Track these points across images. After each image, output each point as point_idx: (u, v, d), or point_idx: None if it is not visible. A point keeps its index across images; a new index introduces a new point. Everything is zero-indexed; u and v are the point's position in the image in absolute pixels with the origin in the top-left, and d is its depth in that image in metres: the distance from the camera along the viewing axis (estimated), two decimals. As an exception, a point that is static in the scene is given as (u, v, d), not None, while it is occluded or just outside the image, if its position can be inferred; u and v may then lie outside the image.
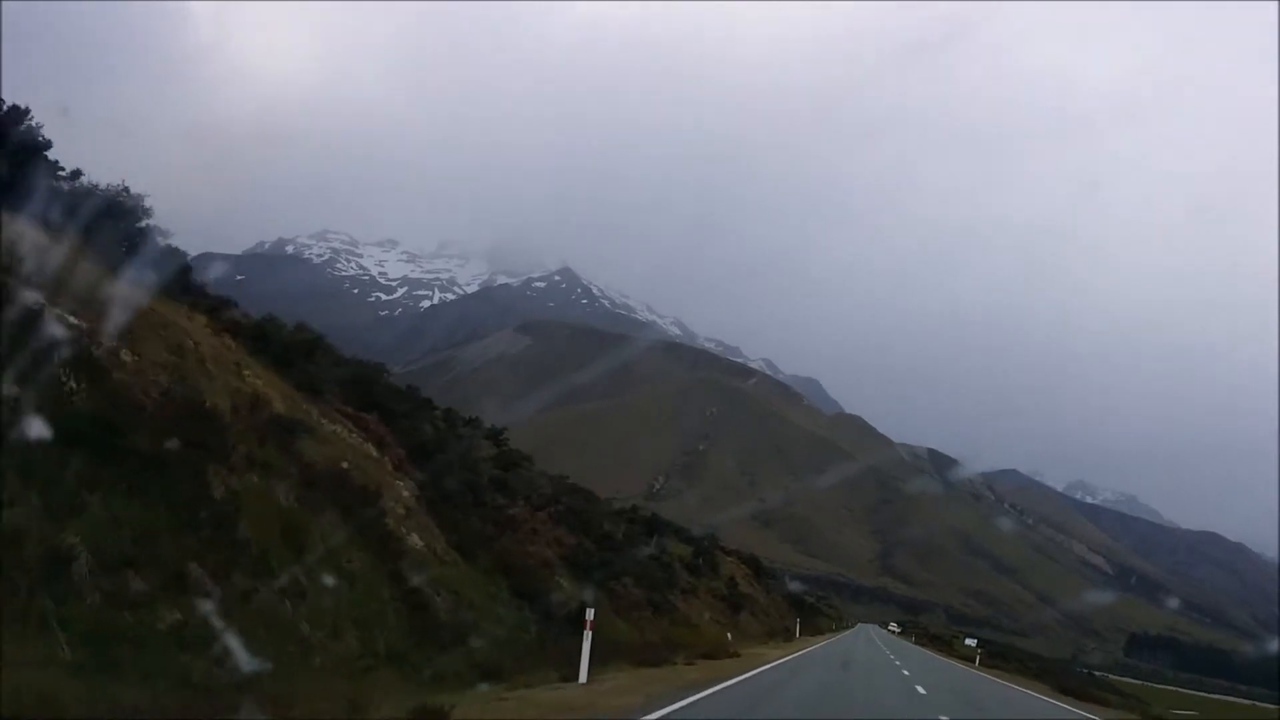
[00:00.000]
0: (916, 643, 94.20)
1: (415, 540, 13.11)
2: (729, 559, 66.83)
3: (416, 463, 17.44)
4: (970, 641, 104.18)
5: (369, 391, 18.91)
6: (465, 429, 38.58)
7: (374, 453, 15.19)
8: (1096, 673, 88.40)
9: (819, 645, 48.68)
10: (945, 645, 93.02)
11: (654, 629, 27.96)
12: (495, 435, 38.36)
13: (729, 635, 35.49)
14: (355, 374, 19.41)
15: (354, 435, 14.86)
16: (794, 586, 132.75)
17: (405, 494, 14.71)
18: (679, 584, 40.34)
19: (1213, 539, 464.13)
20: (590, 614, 13.77)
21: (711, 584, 50.09)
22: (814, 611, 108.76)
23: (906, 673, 30.71)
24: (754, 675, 20.59)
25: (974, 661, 58.52)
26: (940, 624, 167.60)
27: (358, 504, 10.68)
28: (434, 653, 10.35)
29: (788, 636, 52.71)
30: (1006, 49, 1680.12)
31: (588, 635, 13.57)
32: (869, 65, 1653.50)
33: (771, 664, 26.40)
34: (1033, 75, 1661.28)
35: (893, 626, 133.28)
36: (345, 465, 11.96)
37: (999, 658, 68.20)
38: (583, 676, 13.36)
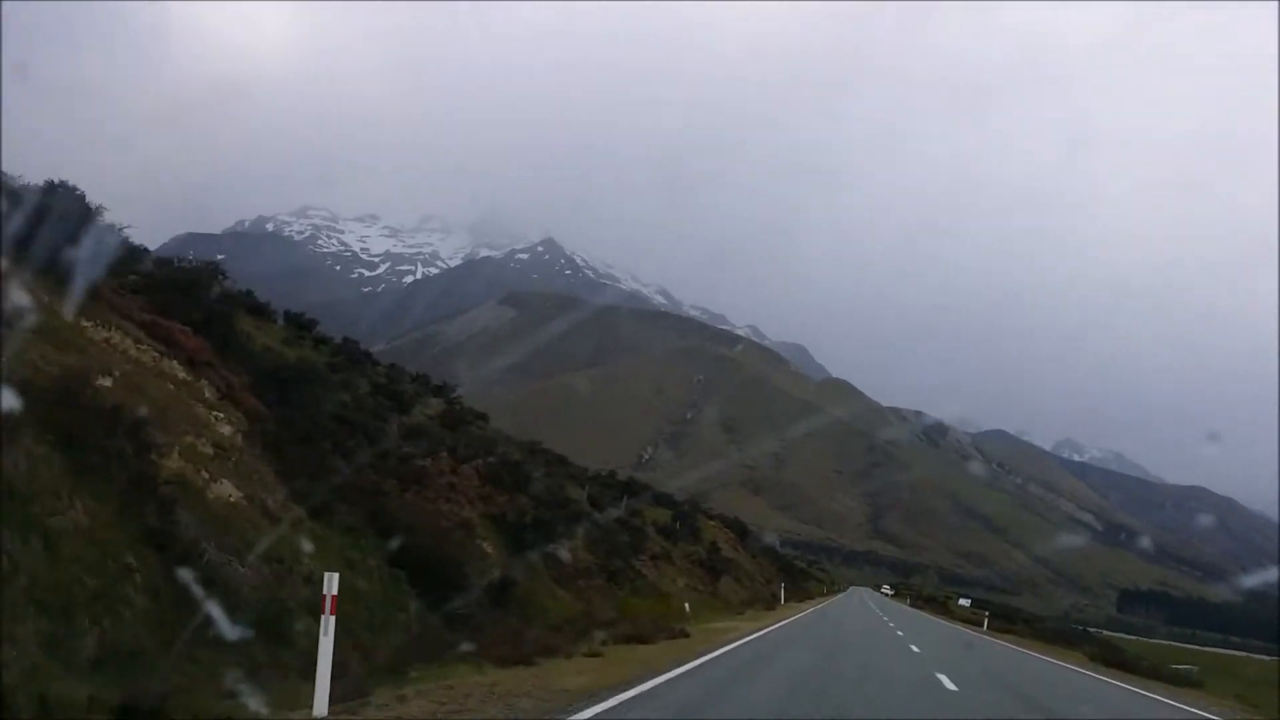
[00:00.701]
0: (912, 605, 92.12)
1: (223, 489, 9.56)
2: (711, 523, 63.68)
3: (272, 396, 13.83)
4: (964, 602, 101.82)
5: (197, 302, 14.85)
6: (410, 385, 35.18)
7: (180, 373, 11.58)
8: (1091, 629, 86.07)
9: (805, 613, 43.30)
10: (941, 607, 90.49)
11: (605, 600, 24.52)
12: (444, 392, 35.11)
13: (686, 607, 29.78)
14: (178, 278, 15.62)
15: (144, 348, 11.21)
16: (783, 550, 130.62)
17: (225, 430, 11.13)
18: (648, 549, 36.37)
19: (1201, 493, 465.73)
20: (330, 586, 7.43)
21: (690, 549, 46.48)
22: (804, 576, 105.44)
23: (916, 649, 23.52)
24: (685, 672, 13.40)
25: (982, 625, 53.23)
26: (932, 585, 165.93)
27: (102, 433, 7.23)
28: (196, 649, 6.87)
29: (771, 604, 48.13)
30: (994, 15, 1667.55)
31: (327, 628, 7.34)
32: (852, 23, 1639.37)
33: (729, 646, 19.12)
34: (1017, 31, 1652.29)
35: (885, 589, 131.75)
36: (104, 381, 8.50)
37: (1003, 619, 62.17)
38: (319, 708, 7.23)
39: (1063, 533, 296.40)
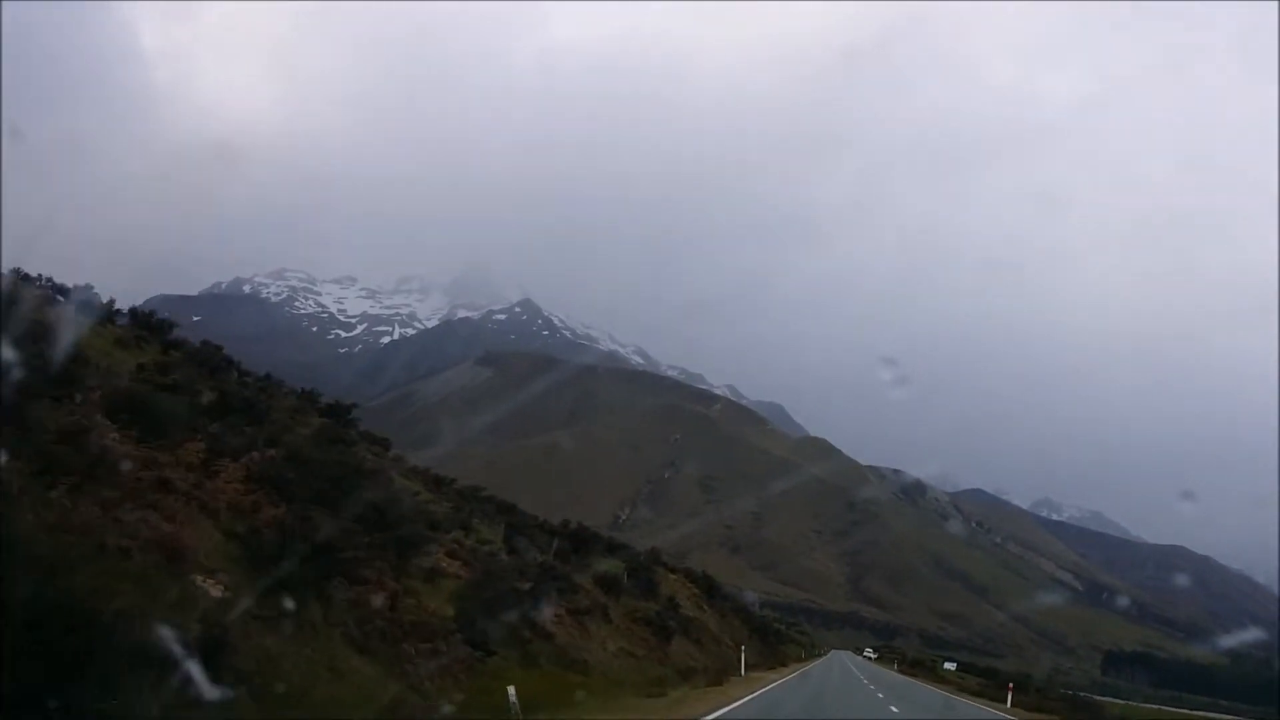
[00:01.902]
0: (899, 670, 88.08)
1: None
2: (673, 577, 56.80)
3: None
4: (949, 665, 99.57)
5: None
6: (295, 399, 32.72)
7: None
8: (1080, 693, 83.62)
9: (765, 689, 33.20)
10: (930, 672, 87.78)
11: (456, 674, 16.39)
12: (340, 413, 31.88)
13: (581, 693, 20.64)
14: None
15: None
16: (761, 611, 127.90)
17: None
18: (566, 603, 28.97)
19: (1180, 552, 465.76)
20: None
21: (639, 605, 38.69)
22: (781, 638, 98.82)
23: None
24: None
25: (1006, 704, 44.15)
26: (914, 648, 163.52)
27: None
28: None
29: (720, 677, 35.71)
30: (962, 65, 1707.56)
31: None
32: (828, 87, 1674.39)
33: None
34: (989, 88, 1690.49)
35: (868, 652, 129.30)
36: None
37: (1022, 690, 54.29)
38: None
39: (1043, 592, 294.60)
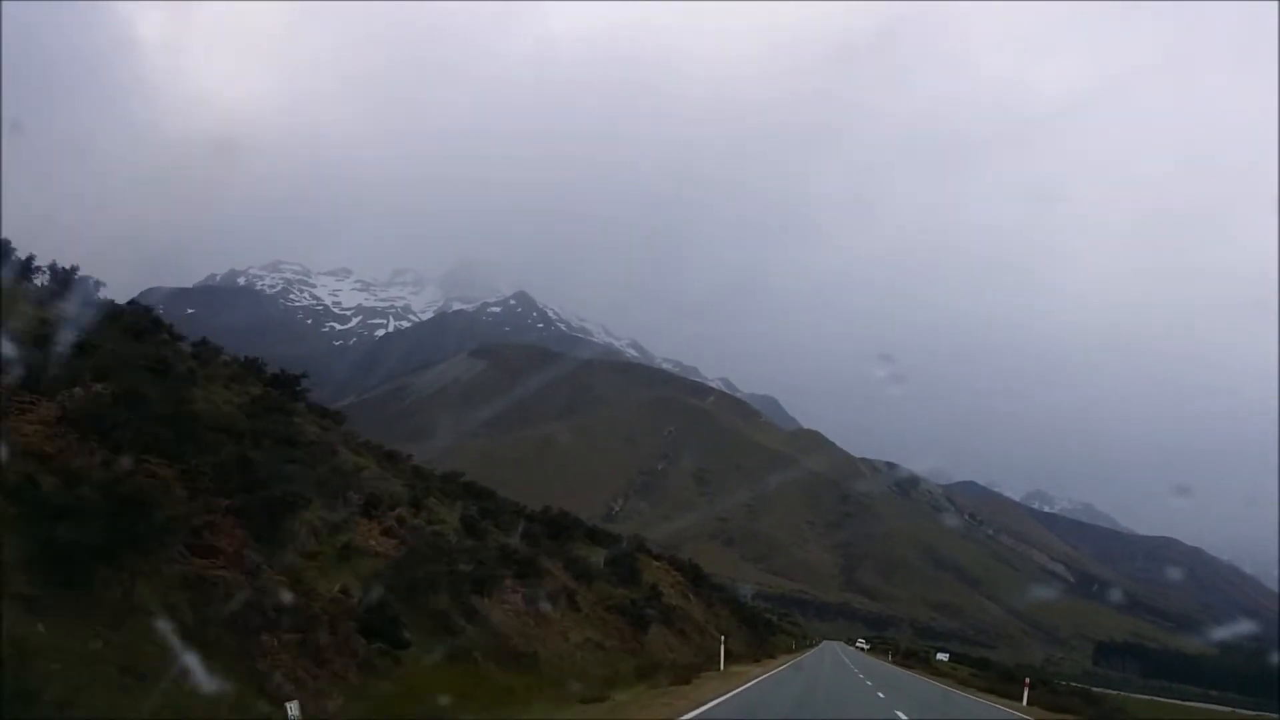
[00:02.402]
0: (896, 662, 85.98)
1: None
2: (657, 564, 54.63)
3: None
4: (942, 656, 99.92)
5: None
6: (238, 367, 28.25)
7: None
8: (1073, 683, 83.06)
9: (743, 688, 28.39)
10: (925, 664, 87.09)
11: (340, 673, 13.12)
12: (287, 383, 28.44)
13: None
14: None
15: None
16: (750, 600, 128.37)
17: None
18: (510, 584, 25.12)
19: (1170, 544, 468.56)
20: None
21: (612, 592, 36.13)
22: (772, 629, 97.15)
23: None
24: None
25: (1022, 700, 40.58)
26: (907, 638, 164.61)
27: None
28: None
29: (689, 674, 29.79)
30: (958, 58, 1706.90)
31: None
32: (823, 79, 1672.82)
33: None
34: (986, 82, 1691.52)
35: (860, 643, 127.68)
36: None
37: (1042, 687, 49.70)
38: None
39: (1035, 584, 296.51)
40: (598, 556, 41.74)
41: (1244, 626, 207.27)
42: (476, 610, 21.16)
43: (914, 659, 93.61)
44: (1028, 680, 46.89)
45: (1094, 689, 75.31)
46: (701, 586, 63.82)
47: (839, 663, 60.77)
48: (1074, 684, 76.87)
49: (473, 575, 22.35)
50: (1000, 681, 56.35)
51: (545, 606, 26.59)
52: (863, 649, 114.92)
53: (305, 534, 16.96)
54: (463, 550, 24.72)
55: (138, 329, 22.50)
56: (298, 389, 29.95)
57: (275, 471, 15.92)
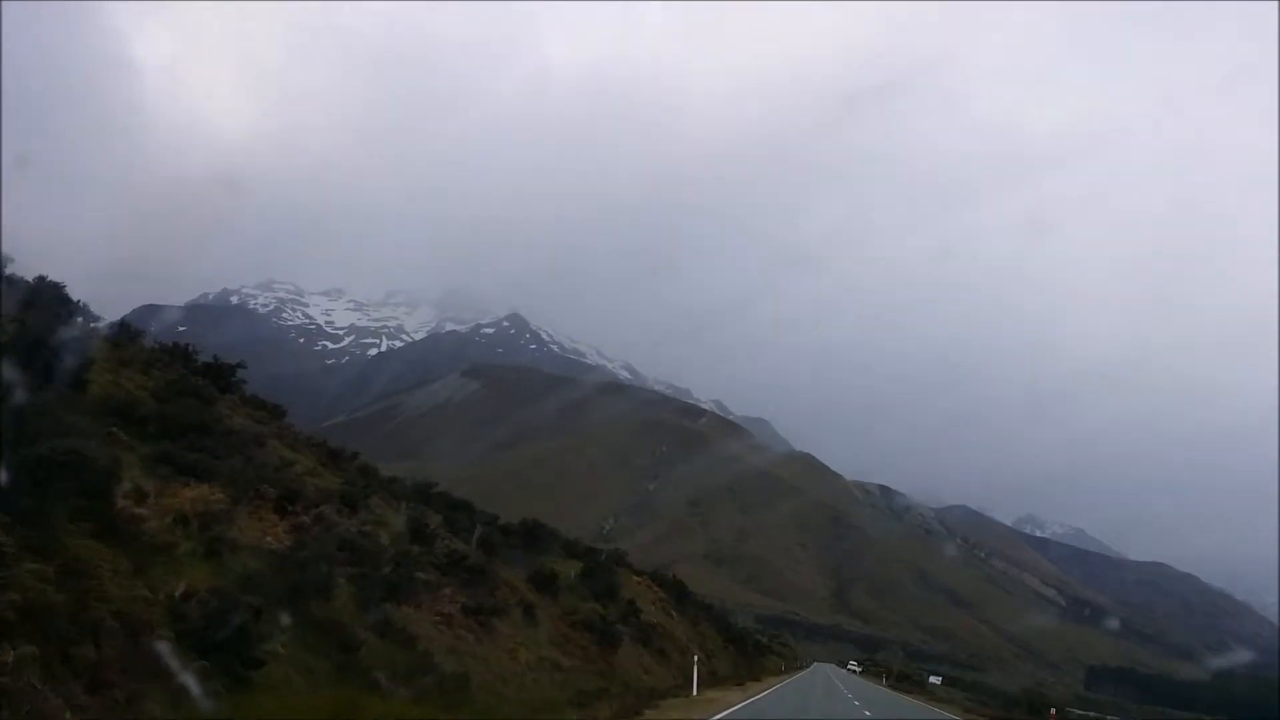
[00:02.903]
0: (890, 685, 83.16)
1: None
2: (637, 579, 52.29)
3: None
4: (935, 679, 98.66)
5: None
6: (161, 352, 25.22)
7: None
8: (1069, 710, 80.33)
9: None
10: (921, 689, 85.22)
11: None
12: (220, 372, 26.83)
13: None
14: None
15: None
16: (742, 623, 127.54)
17: None
18: (426, 592, 21.97)
19: (1162, 570, 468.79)
20: None
21: (580, 606, 33.21)
22: (762, 650, 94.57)
23: None
24: None
25: None
26: (898, 661, 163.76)
27: None
28: None
29: (658, 698, 27.54)
30: (958, 94, 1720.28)
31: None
32: (822, 111, 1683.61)
33: None
34: (984, 118, 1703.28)
35: (852, 665, 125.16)
36: None
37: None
38: None
39: (1027, 608, 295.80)
40: (572, 570, 39.48)
41: (1242, 655, 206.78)
42: (391, 622, 18.04)
43: (909, 682, 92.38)
44: (1054, 712, 43.82)
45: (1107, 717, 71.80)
46: (686, 604, 61.60)
47: (832, 688, 58.04)
48: (1091, 714, 72.11)
49: (388, 580, 18.98)
50: (1004, 710, 54.02)
51: (495, 620, 23.65)
52: (854, 671, 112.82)
53: (158, 522, 13.83)
54: (400, 554, 21.67)
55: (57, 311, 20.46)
56: (232, 379, 27.93)
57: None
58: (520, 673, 23.26)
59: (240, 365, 29.01)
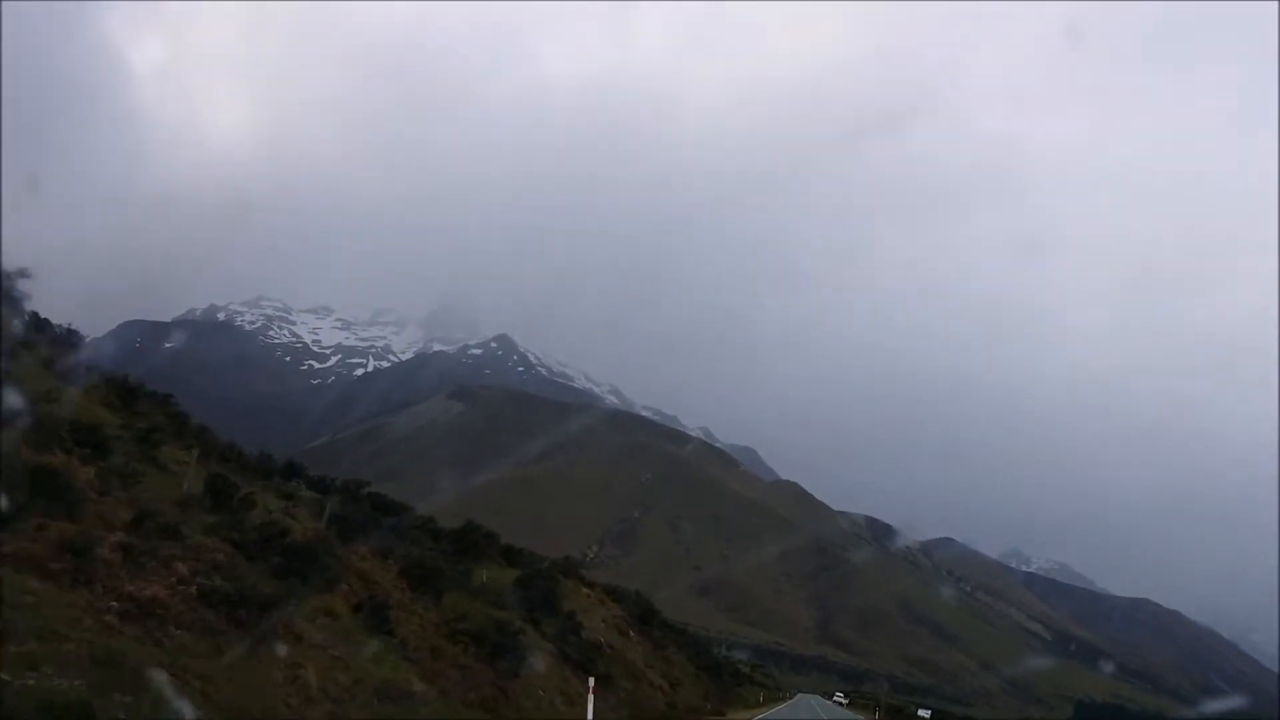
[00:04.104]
0: (882, 718, 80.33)
1: None
2: (587, 592, 46.28)
3: None
4: (924, 714, 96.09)
5: None
6: None
7: None
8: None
9: None
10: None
11: None
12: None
13: None
14: None
15: None
16: (730, 651, 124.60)
17: None
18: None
19: (1148, 605, 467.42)
20: None
21: (474, 612, 26.09)
22: (740, 680, 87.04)
23: None
24: None
25: None
26: (884, 693, 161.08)
27: None
28: None
29: None
30: (953, 119, 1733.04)
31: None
32: (814, 137, 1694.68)
33: None
34: (980, 143, 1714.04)
35: (838, 697, 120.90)
36: None
37: None
38: None
39: (1013, 642, 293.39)
40: (506, 577, 35.93)
41: (1235, 701, 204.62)
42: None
43: (901, 717, 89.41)
44: None
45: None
46: (651, 625, 55.00)
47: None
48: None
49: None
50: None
51: (310, 625, 17.23)
52: (840, 703, 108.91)
53: None
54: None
55: None
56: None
57: None
58: (308, 703, 14.23)
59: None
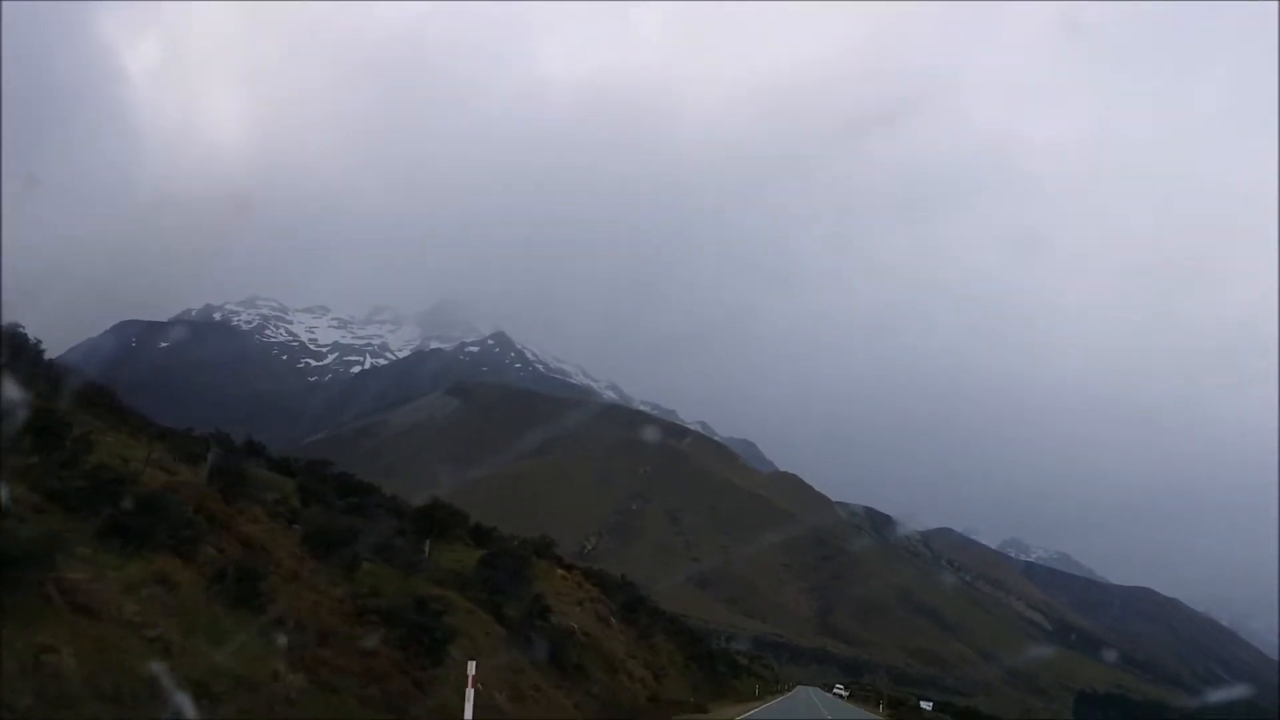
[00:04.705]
0: (890, 716, 77.41)
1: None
2: (563, 575, 42.78)
3: None
4: (925, 705, 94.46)
5: None
6: None
7: None
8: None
9: None
10: (915, 712, 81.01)
11: None
12: None
13: None
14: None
15: None
16: (732, 644, 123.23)
17: None
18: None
19: (1147, 594, 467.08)
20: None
21: (386, 587, 21.58)
22: (736, 671, 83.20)
23: None
24: None
25: None
26: (883, 684, 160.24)
27: None
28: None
29: None
30: (952, 115, 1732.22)
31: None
32: (812, 134, 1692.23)
33: None
34: (978, 142, 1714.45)
35: (839, 689, 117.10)
36: None
37: None
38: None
39: (1013, 631, 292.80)
40: (470, 557, 33.27)
41: (1237, 690, 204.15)
42: None
43: (904, 709, 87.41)
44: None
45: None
46: (638, 613, 51.23)
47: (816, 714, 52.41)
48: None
49: None
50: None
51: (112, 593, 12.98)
52: (841, 696, 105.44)
53: None
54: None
55: None
56: None
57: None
58: (61, 703, 9.80)
59: None
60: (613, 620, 43.09)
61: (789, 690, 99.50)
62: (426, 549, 29.19)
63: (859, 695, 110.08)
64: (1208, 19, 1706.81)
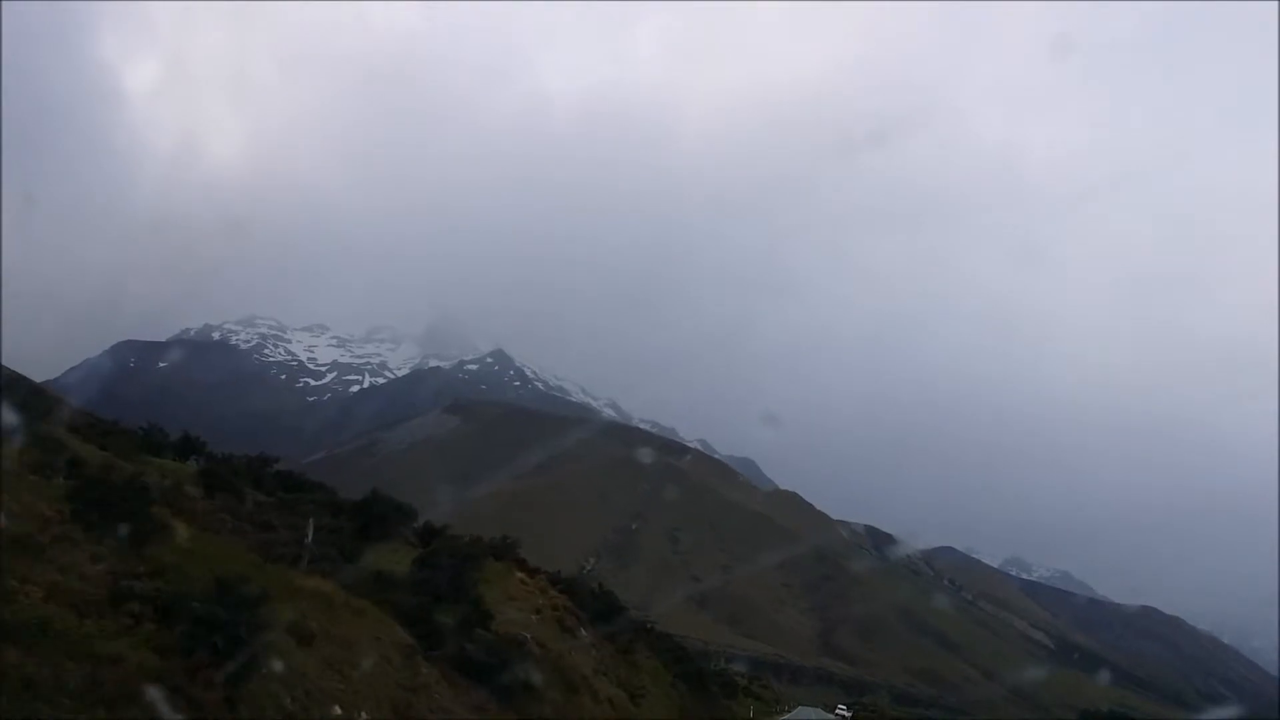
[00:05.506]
0: None
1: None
2: (523, 580, 39.35)
3: None
4: None
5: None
6: None
7: None
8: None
9: None
10: None
11: None
12: None
13: None
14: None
15: None
16: (733, 665, 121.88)
17: None
18: None
19: (1150, 613, 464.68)
20: None
21: (130, 569, 14.86)
22: (731, 692, 77.47)
23: None
24: None
25: None
26: (885, 704, 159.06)
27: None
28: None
29: None
30: (951, 128, 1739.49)
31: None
32: (811, 146, 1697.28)
33: None
34: (977, 153, 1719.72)
35: (841, 709, 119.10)
36: None
37: None
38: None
39: (1015, 651, 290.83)
40: (406, 557, 30.32)
41: (1237, 708, 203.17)
42: None
43: None
44: None
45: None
46: (613, 623, 46.43)
47: None
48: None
49: None
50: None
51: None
52: (844, 717, 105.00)
53: None
54: None
55: None
56: None
57: None
58: None
59: None
60: (582, 631, 38.88)
61: (790, 710, 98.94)
62: (309, 532, 24.83)
63: (860, 716, 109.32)
64: (1206, 22, 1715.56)
